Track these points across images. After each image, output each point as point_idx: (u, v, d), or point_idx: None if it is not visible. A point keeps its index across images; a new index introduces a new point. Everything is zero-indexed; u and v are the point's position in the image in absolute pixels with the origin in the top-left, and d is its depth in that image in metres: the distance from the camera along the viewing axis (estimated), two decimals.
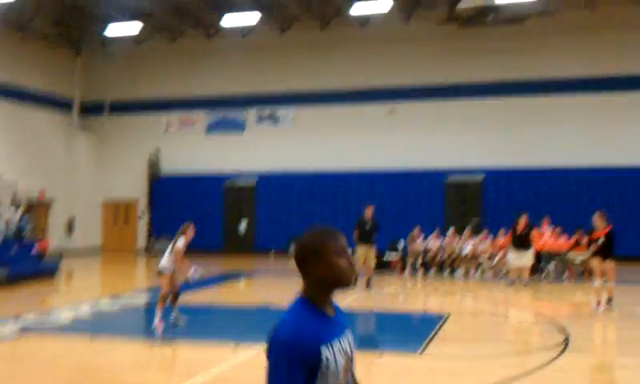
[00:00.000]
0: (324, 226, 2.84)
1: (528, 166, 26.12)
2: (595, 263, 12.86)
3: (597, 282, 12.89)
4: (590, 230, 13.14)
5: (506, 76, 26.61)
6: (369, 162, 27.93)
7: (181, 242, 10.85)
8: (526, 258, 17.10)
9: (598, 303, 12.78)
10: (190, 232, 11.03)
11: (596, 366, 8.98)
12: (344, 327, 2.72)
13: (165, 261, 10.94)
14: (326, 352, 2.55)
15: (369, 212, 16.56)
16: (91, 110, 31.87)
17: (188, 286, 12.62)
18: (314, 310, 2.65)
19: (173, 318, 11.04)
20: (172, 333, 10.65)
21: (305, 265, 2.71)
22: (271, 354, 2.53)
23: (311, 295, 2.70)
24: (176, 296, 11.11)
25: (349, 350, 2.69)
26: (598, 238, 12.73)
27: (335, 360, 2.58)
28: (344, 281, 2.68)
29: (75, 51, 30.89)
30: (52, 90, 29.93)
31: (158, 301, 10.95)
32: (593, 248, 12.78)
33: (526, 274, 17.17)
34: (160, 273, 10.96)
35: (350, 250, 2.80)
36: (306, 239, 2.75)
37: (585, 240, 18.19)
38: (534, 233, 17.81)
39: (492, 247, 20.19)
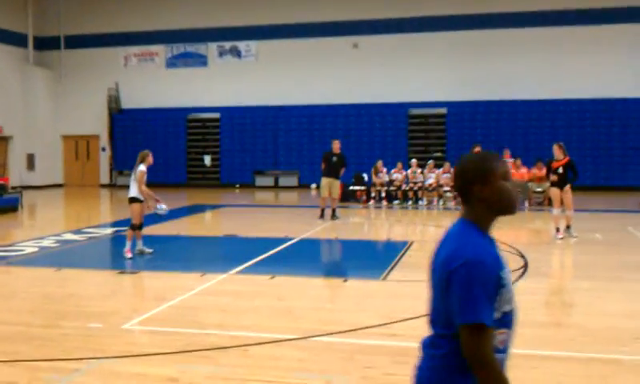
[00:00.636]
0: (487, 150, 2.65)
1: (490, 99, 26.39)
2: (554, 192, 13.17)
3: (555, 211, 13.24)
4: (549, 160, 13.41)
5: (468, 10, 26.60)
6: (333, 95, 27.88)
7: (142, 167, 10.96)
8: None
9: (557, 230, 13.16)
10: (149, 158, 11.13)
11: (553, 289, 9.29)
12: None
13: (133, 189, 11.05)
14: (504, 274, 2.45)
15: (336, 145, 16.72)
16: (47, 44, 31.08)
17: (155, 218, 12.63)
18: (483, 234, 2.53)
19: (138, 248, 11.20)
20: (138, 262, 10.75)
21: (469, 188, 2.55)
22: (461, 275, 2.38)
23: (476, 219, 2.55)
24: (140, 227, 11.26)
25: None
26: (557, 168, 13.02)
27: (510, 283, 2.48)
28: (510, 206, 2.56)
29: None
30: (5, 25, 29.02)
31: (129, 229, 11.19)
32: (552, 178, 13.06)
33: None
34: (132, 200, 11.08)
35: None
36: (471, 162, 2.59)
37: (544, 170, 18.58)
38: None
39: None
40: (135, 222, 11.13)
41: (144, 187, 10.99)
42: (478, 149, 17.40)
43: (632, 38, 25.53)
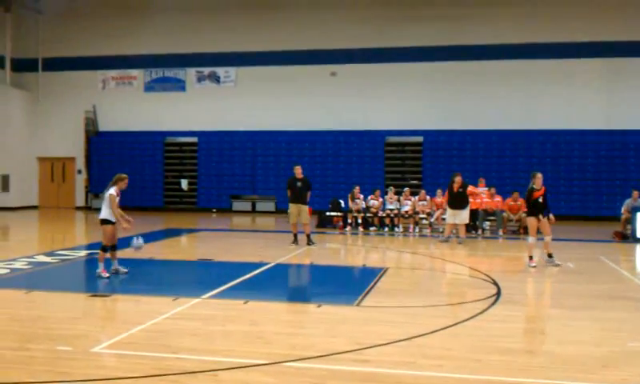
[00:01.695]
0: None
1: (465, 128, 26.73)
2: (532, 221, 13.21)
3: (531, 239, 13.30)
4: (531, 189, 13.35)
5: (445, 41, 27.06)
6: (311, 121, 28.07)
7: (112, 190, 11.08)
8: (462, 216, 17.50)
9: (531, 258, 13.23)
10: (122, 183, 11.26)
11: (524, 317, 9.34)
12: None
13: (104, 211, 11.20)
14: None
15: (298, 170, 16.71)
16: (25, 66, 31.00)
17: (129, 241, 12.54)
18: None
19: (113, 268, 11.32)
20: (110, 286, 10.66)
21: None
22: None
23: None
24: (114, 248, 11.36)
25: None
26: (538, 197, 13.13)
27: None
28: None
29: (5, 7, 29.79)
30: None
31: (100, 250, 11.31)
32: (544, 218, 13.13)
33: (463, 232, 17.61)
34: (103, 222, 11.21)
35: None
36: None
37: (519, 201, 18.83)
38: (470, 190, 18.09)
39: (430, 205, 20.65)
40: (106, 244, 11.21)
41: (116, 210, 11.03)
42: (458, 178, 17.52)
43: (604, 71, 26.06)
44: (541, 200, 13.15)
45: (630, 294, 10.48)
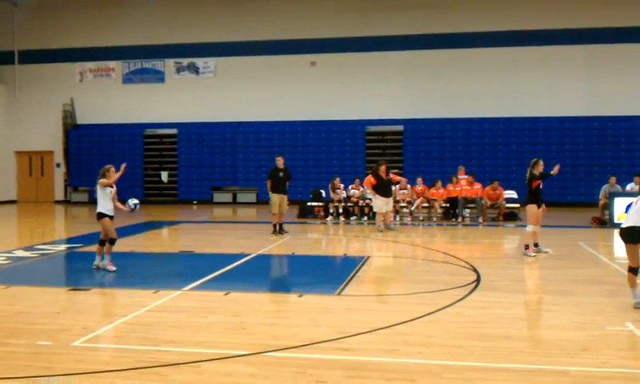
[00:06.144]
0: None
1: (445, 117, 26.79)
2: (534, 209, 13.17)
3: (530, 227, 13.22)
4: (533, 176, 13.26)
5: (425, 30, 27.05)
6: (291, 111, 28.01)
7: (102, 180, 11.16)
8: (384, 205, 17.54)
9: (527, 247, 13.12)
10: (108, 174, 11.29)
11: (504, 303, 9.42)
12: None
13: (98, 204, 11.30)
14: None
15: (280, 161, 16.81)
16: (1, 59, 30.59)
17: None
18: None
19: (98, 263, 11.38)
20: (90, 279, 10.61)
21: None
22: None
23: None
24: (112, 242, 11.33)
25: None
26: (539, 185, 13.14)
27: None
28: None
29: None
30: None
31: (98, 244, 11.38)
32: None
33: (387, 219, 17.64)
34: (97, 216, 11.27)
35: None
36: None
37: (499, 190, 18.97)
38: (392, 176, 18.00)
39: (410, 194, 20.75)
40: (101, 237, 11.26)
41: (117, 204, 11.42)
42: (383, 167, 17.60)
43: (584, 58, 26.23)
44: (541, 187, 13.22)
45: (608, 279, 10.61)
